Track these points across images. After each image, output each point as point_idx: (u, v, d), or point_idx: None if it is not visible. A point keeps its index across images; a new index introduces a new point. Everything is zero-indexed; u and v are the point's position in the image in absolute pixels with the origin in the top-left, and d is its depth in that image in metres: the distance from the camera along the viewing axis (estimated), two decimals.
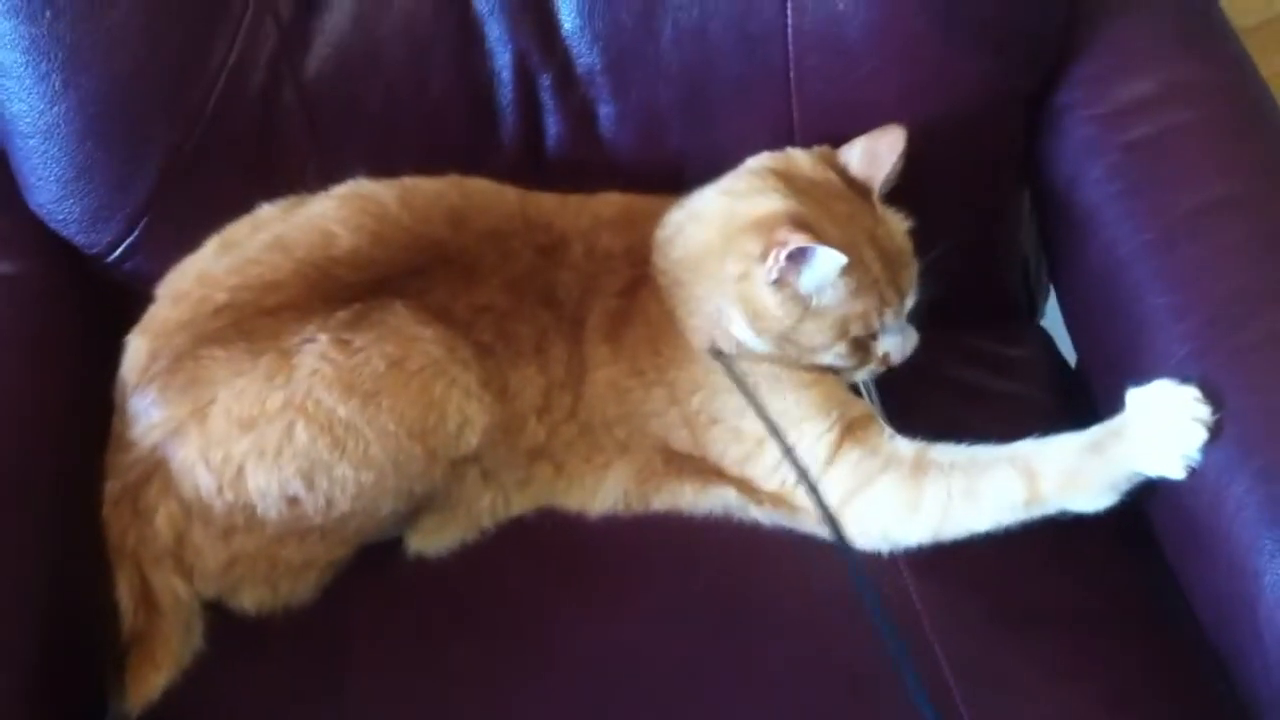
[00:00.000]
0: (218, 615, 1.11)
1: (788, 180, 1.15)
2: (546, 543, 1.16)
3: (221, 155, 1.23)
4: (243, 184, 1.22)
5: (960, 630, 1.04)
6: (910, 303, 1.16)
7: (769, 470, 1.14)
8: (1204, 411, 1.01)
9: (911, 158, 1.16)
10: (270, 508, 1.06)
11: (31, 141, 1.20)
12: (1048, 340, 1.42)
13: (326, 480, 1.05)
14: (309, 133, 1.26)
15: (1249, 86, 1.25)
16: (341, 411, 1.04)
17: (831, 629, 1.06)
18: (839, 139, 1.20)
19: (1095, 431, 1.07)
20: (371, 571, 1.13)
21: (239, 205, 1.20)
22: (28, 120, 1.19)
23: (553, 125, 1.31)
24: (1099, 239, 1.19)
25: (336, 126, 1.26)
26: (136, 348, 1.12)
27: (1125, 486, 1.05)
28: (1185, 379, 1.03)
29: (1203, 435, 1.01)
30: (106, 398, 1.14)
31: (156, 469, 1.07)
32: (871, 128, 1.18)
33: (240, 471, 1.04)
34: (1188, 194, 1.16)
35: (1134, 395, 1.06)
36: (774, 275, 1.08)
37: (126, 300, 1.19)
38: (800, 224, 1.07)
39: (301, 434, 1.04)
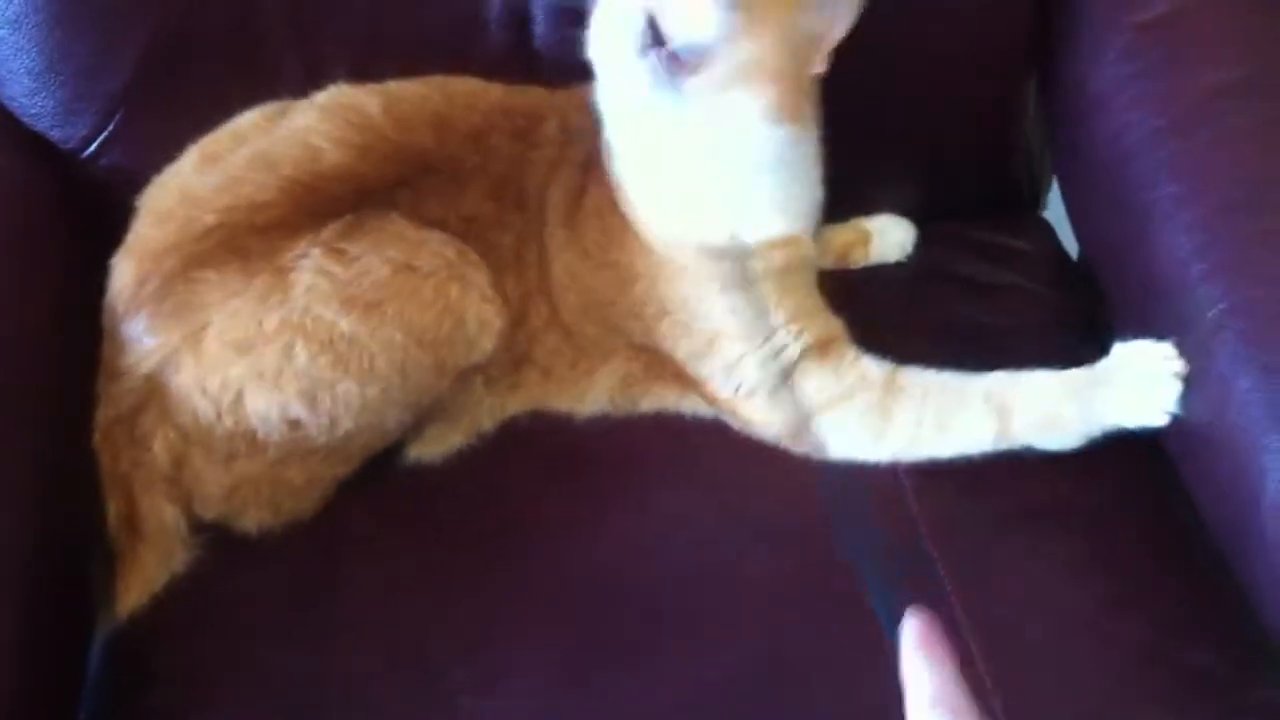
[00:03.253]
0: (214, 529, 1.10)
1: None
2: (540, 447, 1.14)
3: (200, 43, 1.19)
4: (221, 75, 1.19)
5: (960, 535, 1.03)
6: None
7: (720, 374, 1.10)
8: (1179, 366, 1.01)
9: (914, 43, 1.11)
10: (271, 431, 1.04)
11: None
12: (1050, 232, 1.38)
13: (329, 399, 1.03)
14: (290, 22, 1.20)
15: None
16: (343, 325, 1.02)
17: (816, 540, 1.04)
18: None
19: (1076, 375, 1.05)
20: (367, 477, 1.12)
21: (218, 99, 1.15)
22: None
23: (540, 14, 1.23)
24: (1108, 126, 1.15)
25: (318, 18, 1.21)
26: (123, 271, 1.09)
27: (1098, 435, 1.04)
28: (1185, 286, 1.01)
29: (1178, 389, 1.01)
30: (92, 306, 1.10)
31: (151, 396, 1.05)
32: None
33: (239, 396, 1.02)
34: (1204, 76, 1.10)
35: (1119, 350, 1.05)
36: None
37: (110, 206, 1.16)
38: None
39: (301, 353, 1.01)
